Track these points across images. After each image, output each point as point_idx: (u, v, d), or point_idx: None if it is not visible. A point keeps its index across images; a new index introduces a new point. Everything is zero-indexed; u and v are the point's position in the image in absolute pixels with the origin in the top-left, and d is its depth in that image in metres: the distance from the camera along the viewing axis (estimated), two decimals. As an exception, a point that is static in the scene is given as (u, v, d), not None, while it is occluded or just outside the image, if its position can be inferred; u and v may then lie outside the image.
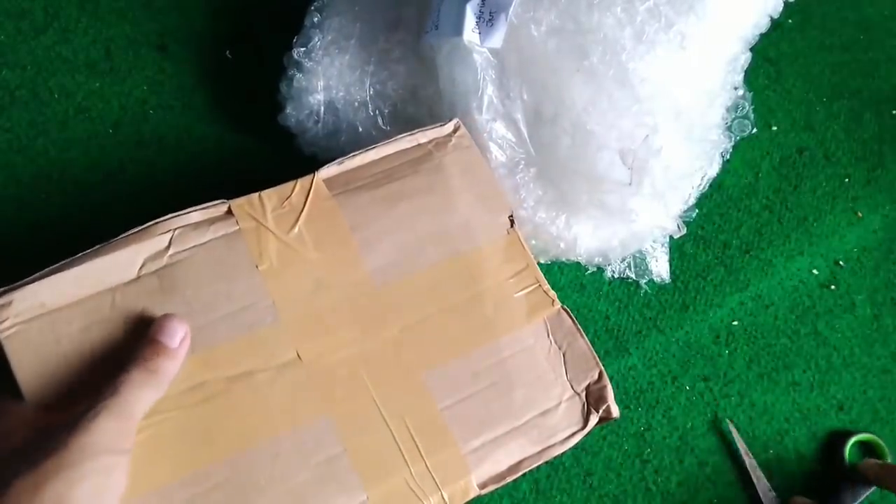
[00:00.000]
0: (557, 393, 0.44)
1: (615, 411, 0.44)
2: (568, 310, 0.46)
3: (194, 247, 0.41)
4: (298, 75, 0.53)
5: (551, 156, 0.50)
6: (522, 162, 0.50)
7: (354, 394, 0.41)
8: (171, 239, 0.41)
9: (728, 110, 0.56)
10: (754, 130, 0.57)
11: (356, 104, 0.53)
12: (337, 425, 0.40)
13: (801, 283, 0.60)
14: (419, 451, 0.41)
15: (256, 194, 0.43)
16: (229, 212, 0.43)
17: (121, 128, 0.56)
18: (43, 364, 0.38)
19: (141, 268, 0.40)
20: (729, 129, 0.57)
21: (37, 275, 0.39)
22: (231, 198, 0.43)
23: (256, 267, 0.42)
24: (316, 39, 0.53)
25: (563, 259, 0.55)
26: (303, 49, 0.53)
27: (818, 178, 0.62)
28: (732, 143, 0.57)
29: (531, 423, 0.43)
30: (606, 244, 0.54)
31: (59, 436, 0.34)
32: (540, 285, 0.46)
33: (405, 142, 0.47)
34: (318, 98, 0.53)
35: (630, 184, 0.49)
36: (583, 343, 0.45)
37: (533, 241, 0.52)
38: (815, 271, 0.60)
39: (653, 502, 0.53)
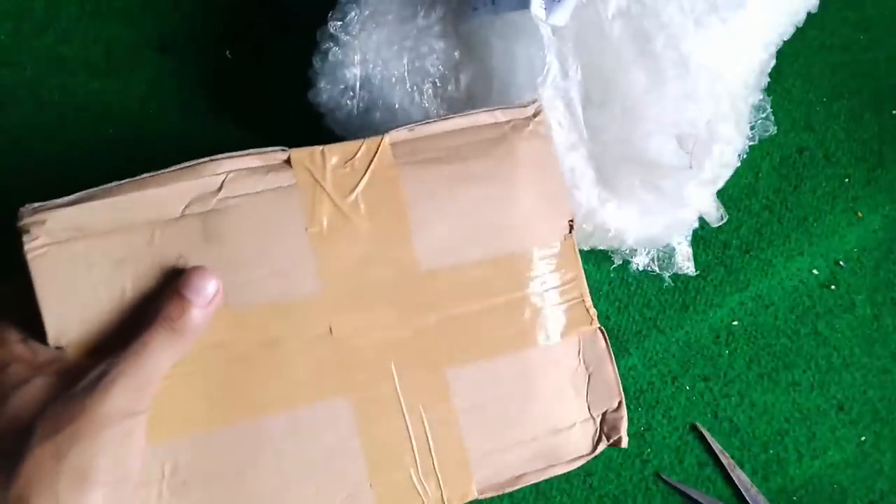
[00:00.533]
0: (574, 414, 0.43)
1: (625, 442, 0.43)
2: (604, 331, 0.44)
3: (246, 195, 0.39)
4: (334, 48, 0.51)
5: (601, 139, 0.50)
6: (576, 143, 0.50)
7: (378, 380, 0.40)
8: (223, 182, 0.39)
9: (753, 109, 0.57)
10: (774, 131, 0.57)
11: (393, 79, 0.51)
12: (355, 408, 0.39)
13: (801, 283, 0.60)
14: (429, 447, 0.40)
15: (319, 148, 0.41)
16: (287, 162, 0.40)
17: (121, 128, 0.56)
18: (68, 292, 0.36)
19: (186, 207, 0.38)
20: (752, 128, 0.57)
21: (75, 195, 0.37)
22: None
23: (306, 229, 0.40)
24: (353, 14, 0.51)
25: (606, 247, 0.54)
26: (339, 23, 0.51)
27: (818, 178, 0.62)
28: (755, 143, 0.57)
29: (541, 440, 0.42)
30: (652, 231, 0.54)
31: (75, 404, 0.33)
32: (583, 300, 0.44)
33: (482, 117, 0.44)
34: (354, 72, 0.51)
35: (690, 167, 0.49)
36: (610, 368, 0.44)
37: (584, 226, 0.52)
38: (815, 271, 0.60)
39: (653, 502, 0.53)
